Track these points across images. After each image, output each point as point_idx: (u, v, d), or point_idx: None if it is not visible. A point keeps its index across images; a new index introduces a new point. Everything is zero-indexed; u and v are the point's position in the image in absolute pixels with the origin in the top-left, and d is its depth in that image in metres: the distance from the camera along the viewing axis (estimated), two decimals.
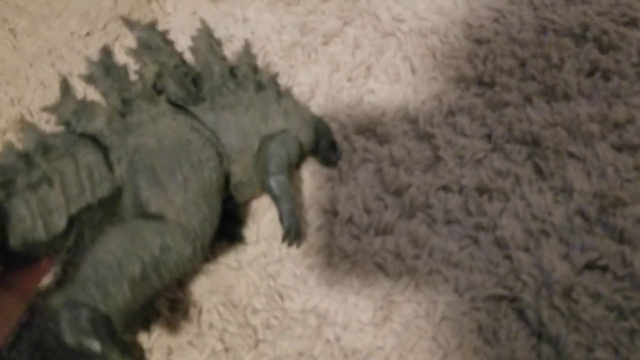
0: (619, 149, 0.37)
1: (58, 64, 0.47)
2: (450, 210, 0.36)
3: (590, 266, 0.33)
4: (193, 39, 0.34)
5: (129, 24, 0.31)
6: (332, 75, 0.43)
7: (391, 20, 0.46)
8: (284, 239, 0.32)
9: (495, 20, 0.45)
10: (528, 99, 0.40)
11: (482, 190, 0.36)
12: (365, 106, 0.41)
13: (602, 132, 0.38)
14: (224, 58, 0.34)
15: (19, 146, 0.28)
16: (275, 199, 0.32)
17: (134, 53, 0.31)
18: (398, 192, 0.37)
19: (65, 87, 0.27)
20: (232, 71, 0.34)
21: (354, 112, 0.41)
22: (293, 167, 0.36)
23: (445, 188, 0.37)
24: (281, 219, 0.32)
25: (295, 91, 0.43)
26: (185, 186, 0.28)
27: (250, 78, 0.35)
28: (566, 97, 0.39)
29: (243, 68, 0.35)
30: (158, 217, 0.26)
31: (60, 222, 0.24)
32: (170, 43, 0.32)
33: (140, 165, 0.27)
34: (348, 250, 0.35)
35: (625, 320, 0.31)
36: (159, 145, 0.28)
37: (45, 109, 0.27)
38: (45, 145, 0.25)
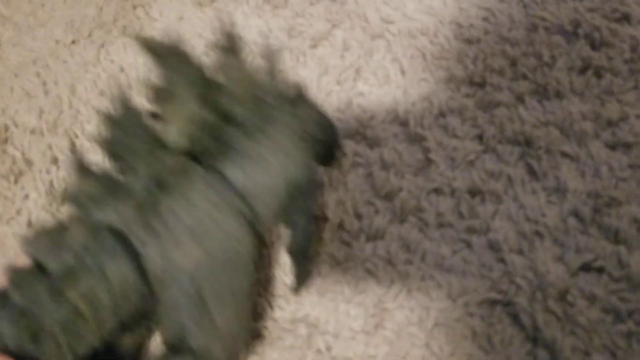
0: (612, 147, 0.36)
1: (43, 74, 0.46)
2: (442, 213, 0.35)
3: (585, 268, 0.32)
4: (216, 49, 0.27)
5: (147, 45, 0.24)
6: (321, 79, 0.43)
7: (380, 21, 0.45)
8: (295, 285, 0.32)
9: (485, 19, 0.44)
10: (520, 99, 0.39)
11: (474, 192, 0.35)
12: (355, 109, 0.41)
13: (595, 131, 0.37)
14: (250, 78, 0.28)
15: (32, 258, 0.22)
16: (296, 253, 0.30)
17: (154, 96, 0.24)
18: (389, 196, 0.36)
19: (82, 167, 0.22)
20: (257, 96, 0.28)
21: (343, 116, 0.40)
22: None
23: (437, 191, 0.36)
24: (296, 270, 0.31)
25: None
26: (235, 310, 0.24)
27: (277, 104, 0.29)
28: (558, 95, 0.39)
29: (268, 91, 0.28)
30: (200, 353, 0.23)
31: (90, 347, 0.21)
32: (191, 65, 0.26)
33: (184, 289, 0.22)
34: (338, 257, 0.34)
35: (622, 323, 0.30)
36: (201, 251, 0.23)
37: (59, 197, 0.23)
38: (71, 270, 0.21)
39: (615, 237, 0.33)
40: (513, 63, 0.41)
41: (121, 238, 0.22)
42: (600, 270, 0.32)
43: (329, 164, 0.35)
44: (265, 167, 0.27)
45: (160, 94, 0.24)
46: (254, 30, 0.46)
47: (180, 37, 0.23)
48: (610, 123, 0.37)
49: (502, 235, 0.34)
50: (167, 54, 0.25)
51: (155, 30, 0.47)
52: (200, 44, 0.46)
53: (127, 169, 0.23)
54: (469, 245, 0.34)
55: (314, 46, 0.45)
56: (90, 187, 0.22)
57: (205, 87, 0.26)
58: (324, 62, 0.43)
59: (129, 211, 0.22)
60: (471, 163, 0.37)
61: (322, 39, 0.45)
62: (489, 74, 0.40)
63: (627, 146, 0.36)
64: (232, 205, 0.25)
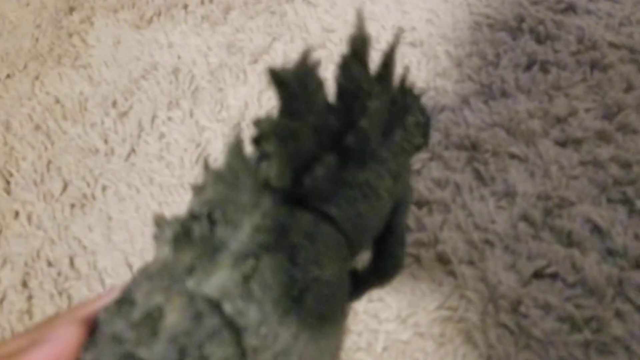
0: (562, 144, 0.35)
1: None
2: None
3: (538, 275, 0.30)
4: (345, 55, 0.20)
5: (277, 77, 0.18)
6: (262, 95, 0.41)
7: (321, 31, 0.44)
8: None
9: (429, 20, 0.43)
10: (465, 101, 0.38)
11: (421, 203, 0.34)
12: None
13: (543, 128, 0.35)
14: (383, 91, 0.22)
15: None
16: (377, 278, 0.26)
17: (268, 134, 0.19)
18: None
19: (179, 238, 0.18)
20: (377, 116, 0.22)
21: None
22: None
23: None
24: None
25: (224, 115, 0.40)
26: None
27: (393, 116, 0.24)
28: (504, 94, 0.37)
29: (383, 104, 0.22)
30: None
31: None
32: (320, 92, 0.19)
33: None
34: None
35: (579, 332, 0.28)
36: (303, 315, 0.19)
37: (149, 269, 0.18)
38: None
39: (568, 240, 0.31)
40: (458, 64, 0.40)
41: (220, 310, 0.18)
42: (554, 276, 0.30)
43: (420, 151, 0.30)
44: (375, 200, 0.23)
45: (278, 132, 0.19)
46: (193, 49, 0.45)
47: (318, 61, 0.18)
48: (558, 119, 0.36)
49: (451, 246, 0.32)
50: (297, 83, 0.19)
51: (92, 58, 0.46)
52: (137, 68, 0.44)
53: (226, 222, 0.19)
54: (417, 259, 0.32)
55: (254, 62, 0.43)
56: (187, 257, 0.18)
57: (327, 118, 0.20)
58: (264, 78, 0.42)
59: (228, 276, 0.18)
60: (418, 172, 0.35)
61: (262, 53, 0.43)
62: (432, 78, 0.39)
63: (577, 142, 0.35)
64: (337, 252, 0.21)
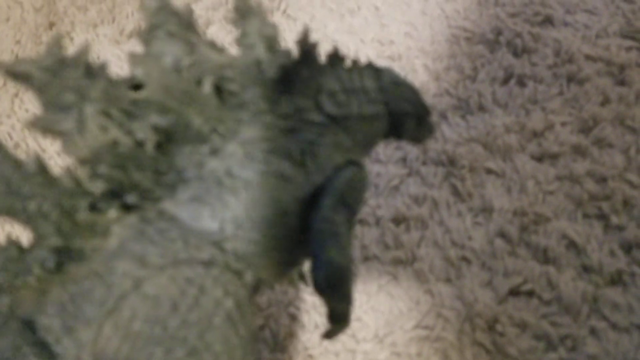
0: (539, 159, 0.35)
1: None
2: (367, 246, 0.33)
3: (514, 292, 0.30)
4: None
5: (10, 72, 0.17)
6: None
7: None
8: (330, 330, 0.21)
9: (407, 34, 0.43)
10: (442, 116, 0.38)
11: (398, 220, 0.34)
12: None
13: (520, 143, 0.36)
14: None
15: None
16: (325, 289, 0.20)
17: (43, 133, 0.17)
18: None
19: None
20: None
21: None
22: None
23: (361, 222, 0.34)
24: (329, 311, 0.21)
25: None
26: None
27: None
28: (481, 109, 0.37)
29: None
30: None
31: None
32: (96, 75, 0.17)
33: None
34: (261, 303, 0.32)
35: (554, 351, 0.28)
36: (121, 335, 0.17)
37: None
38: None
39: (544, 256, 0.31)
40: (435, 78, 0.40)
41: (32, 331, 0.16)
42: (530, 294, 0.30)
43: (421, 140, 0.26)
44: (248, 193, 0.19)
45: (50, 128, 0.17)
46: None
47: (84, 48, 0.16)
48: (535, 134, 0.36)
49: (428, 264, 0.32)
50: (44, 73, 0.17)
51: None
52: None
53: (41, 237, 0.17)
54: (395, 277, 0.32)
55: None
56: None
57: (122, 97, 0.17)
58: None
59: (31, 293, 0.16)
60: (395, 188, 0.35)
61: None
62: None
63: (554, 157, 0.35)
64: (181, 255, 0.18)
